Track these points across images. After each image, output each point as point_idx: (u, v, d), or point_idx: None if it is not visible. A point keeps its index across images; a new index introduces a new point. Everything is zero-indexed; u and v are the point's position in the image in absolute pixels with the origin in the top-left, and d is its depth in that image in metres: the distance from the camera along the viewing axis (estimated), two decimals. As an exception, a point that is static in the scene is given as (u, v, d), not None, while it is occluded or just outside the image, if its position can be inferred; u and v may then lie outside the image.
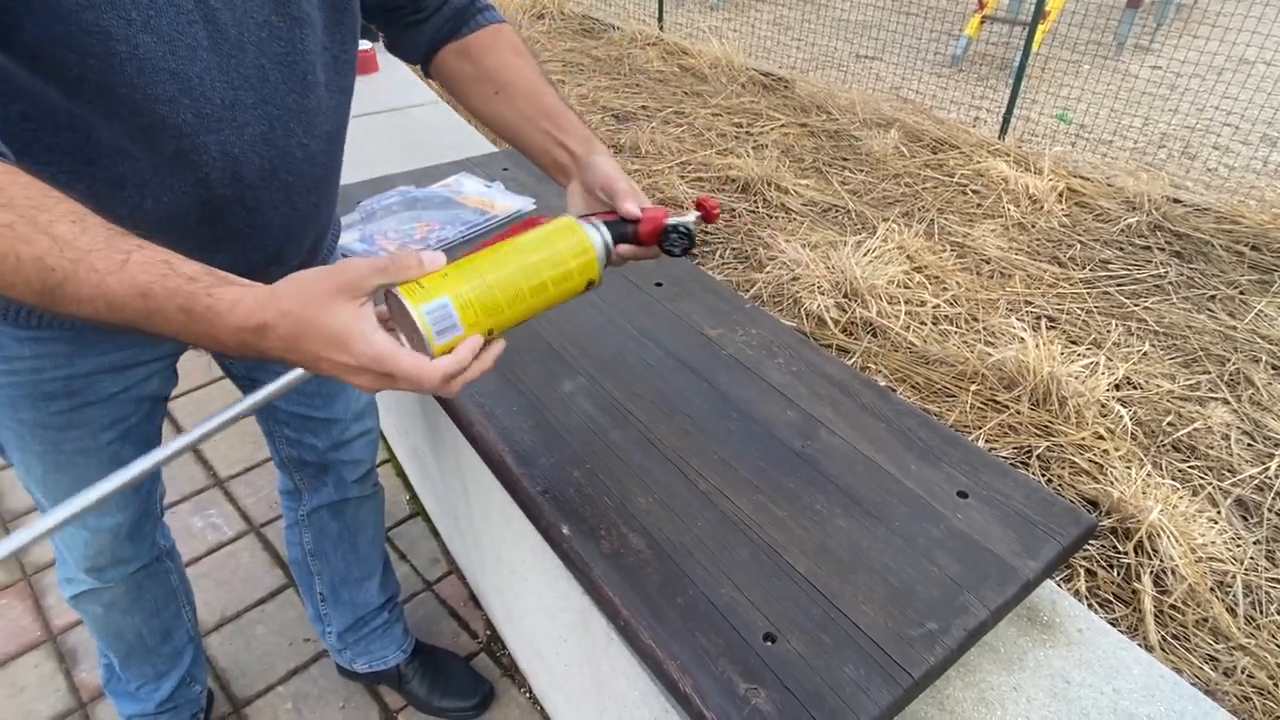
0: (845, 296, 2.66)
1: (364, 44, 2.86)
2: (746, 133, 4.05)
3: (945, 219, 3.25)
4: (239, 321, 0.59)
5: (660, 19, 5.87)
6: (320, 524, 1.36)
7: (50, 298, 0.57)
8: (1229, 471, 2.07)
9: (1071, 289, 2.83)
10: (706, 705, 0.72)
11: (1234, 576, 1.78)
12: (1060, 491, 1.97)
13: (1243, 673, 1.60)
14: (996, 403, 2.25)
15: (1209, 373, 2.44)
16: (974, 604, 0.80)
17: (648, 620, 0.79)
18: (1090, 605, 1.74)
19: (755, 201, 3.37)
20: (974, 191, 3.48)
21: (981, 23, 5.26)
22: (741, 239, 3.09)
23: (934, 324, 2.60)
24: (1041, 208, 3.35)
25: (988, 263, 2.97)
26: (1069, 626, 0.90)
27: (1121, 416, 2.18)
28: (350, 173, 1.84)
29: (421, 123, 2.39)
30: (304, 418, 1.20)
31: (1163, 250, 3.10)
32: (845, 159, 3.80)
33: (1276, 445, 2.16)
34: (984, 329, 2.58)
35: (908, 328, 2.55)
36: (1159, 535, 1.81)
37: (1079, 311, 2.71)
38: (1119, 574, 1.80)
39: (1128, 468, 2.01)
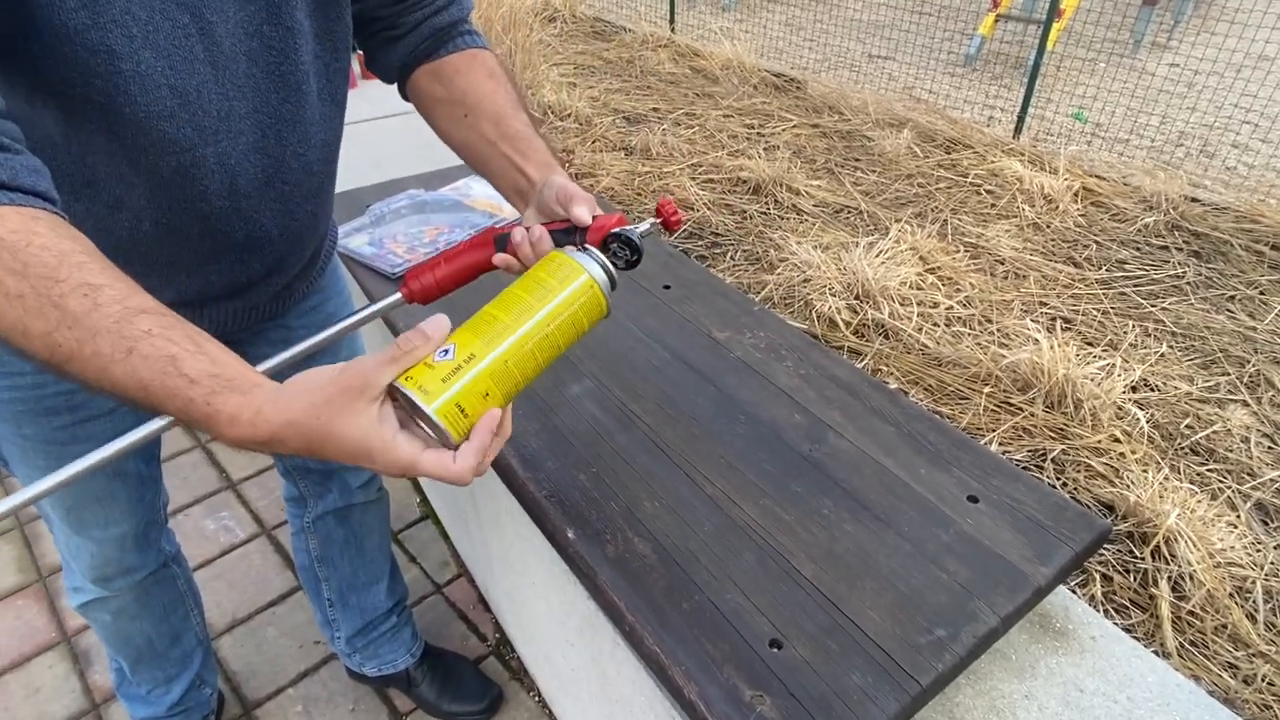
0: (857, 298, 2.64)
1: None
2: (758, 134, 4.03)
3: (959, 219, 3.22)
4: (240, 435, 0.57)
5: (671, 21, 5.87)
6: (326, 530, 1.36)
7: (59, 370, 0.56)
8: (1249, 475, 2.04)
9: (1087, 290, 2.80)
10: (711, 712, 0.72)
11: (1254, 582, 1.75)
12: (1075, 496, 1.95)
13: (1262, 680, 1.57)
14: (1010, 405, 2.22)
15: (1228, 374, 2.40)
16: (984, 611, 0.79)
17: (653, 626, 0.78)
18: (1106, 611, 1.72)
19: (767, 203, 3.36)
20: (988, 191, 3.45)
21: (996, 21, 5.22)
22: (753, 240, 3.08)
23: (947, 326, 2.57)
24: (1057, 207, 3.31)
25: (1002, 263, 2.94)
26: (1082, 633, 0.88)
27: (1138, 419, 2.15)
28: (361, 176, 1.86)
29: (432, 126, 2.40)
30: None
31: (1180, 250, 3.06)
32: (858, 160, 3.78)
33: (1297, 448, 2.12)
34: (998, 331, 2.55)
35: (920, 329, 2.53)
36: (1177, 540, 1.78)
37: (1095, 313, 2.68)
38: (1136, 579, 1.77)
39: (1144, 471, 1.98)
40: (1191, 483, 1.99)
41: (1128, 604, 1.73)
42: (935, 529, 0.88)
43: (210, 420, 0.56)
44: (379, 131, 2.35)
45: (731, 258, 3.00)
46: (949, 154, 3.78)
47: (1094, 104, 4.47)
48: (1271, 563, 1.80)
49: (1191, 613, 1.69)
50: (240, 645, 1.69)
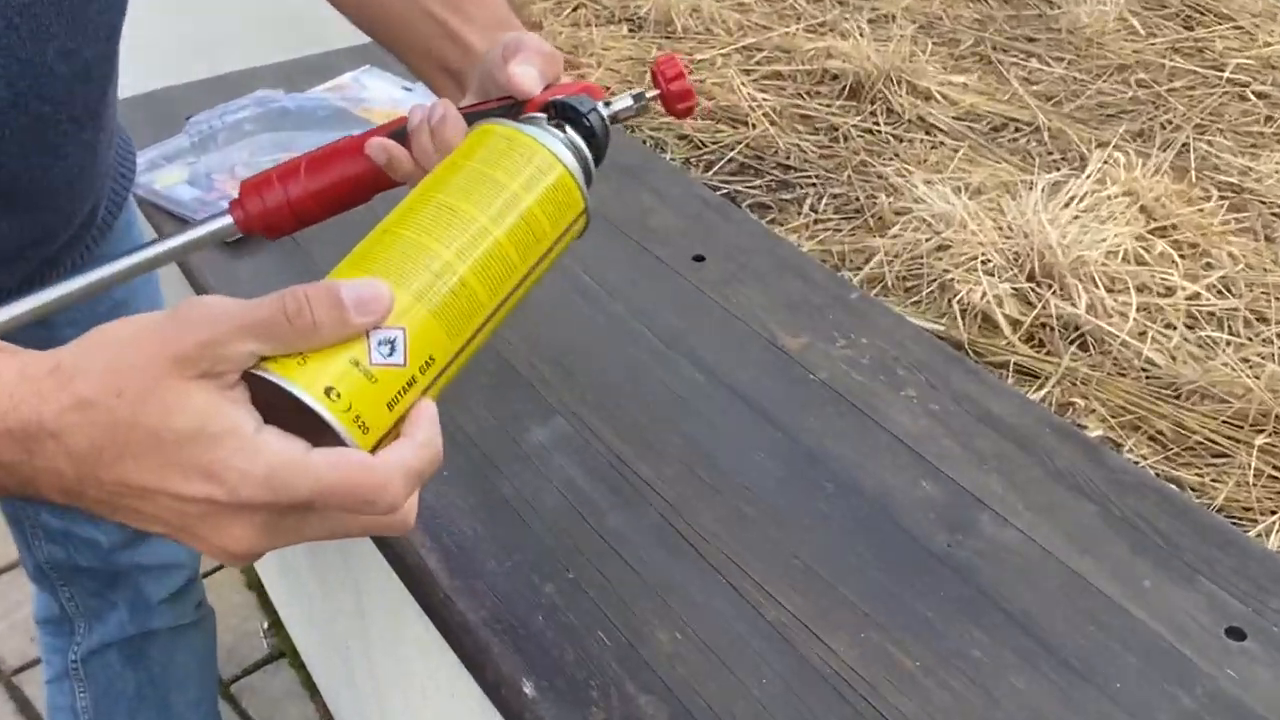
0: (1031, 280, 2.06)
1: None
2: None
3: (1209, 143, 2.49)
4: None
5: None
6: (107, 674, 1.05)
7: None
8: None
9: None
10: None
11: None
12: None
13: None
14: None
15: None
16: None
17: None
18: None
19: (874, 114, 2.60)
20: (1260, 95, 2.67)
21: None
22: (849, 178, 2.39)
23: (1188, 328, 2.00)
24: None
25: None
26: None
27: None
28: (176, 68, 1.39)
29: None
30: None
31: None
32: (1031, 39, 2.92)
33: None
34: (1278, 337, 1.98)
35: (1142, 333, 1.96)
36: None
37: None
38: None
39: None
40: None
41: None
42: (1170, 686, 0.66)
43: None
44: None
45: (812, 207, 2.32)
46: (1189, 29, 2.92)
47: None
48: None
49: None
50: None
